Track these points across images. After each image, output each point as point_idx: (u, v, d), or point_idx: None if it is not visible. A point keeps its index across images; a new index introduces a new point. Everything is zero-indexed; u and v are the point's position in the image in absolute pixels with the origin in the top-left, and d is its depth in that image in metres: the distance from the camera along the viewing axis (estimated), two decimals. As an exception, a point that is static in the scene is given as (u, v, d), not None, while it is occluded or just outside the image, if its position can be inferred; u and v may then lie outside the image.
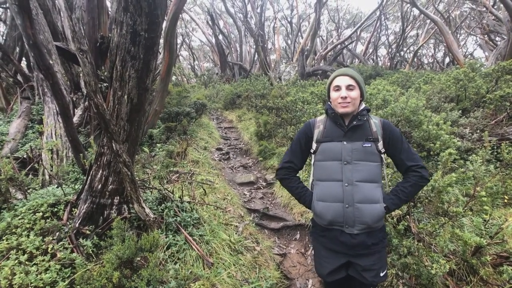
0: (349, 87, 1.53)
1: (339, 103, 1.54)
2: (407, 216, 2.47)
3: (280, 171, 1.76)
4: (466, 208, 2.16)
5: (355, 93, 1.53)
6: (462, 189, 2.93)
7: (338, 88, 1.56)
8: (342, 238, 1.54)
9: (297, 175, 1.78)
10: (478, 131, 4.07)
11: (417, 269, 2.00)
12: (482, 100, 4.88)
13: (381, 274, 1.55)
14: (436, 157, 3.59)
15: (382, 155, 1.57)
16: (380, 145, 1.56)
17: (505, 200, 2.71)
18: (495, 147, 3.50)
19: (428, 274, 1.93)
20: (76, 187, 3.02)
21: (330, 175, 1.56)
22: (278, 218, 3.78)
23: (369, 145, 1.53)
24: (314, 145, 1.64)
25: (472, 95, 5.07)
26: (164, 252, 2.33)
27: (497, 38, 13.99)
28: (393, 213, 2.63)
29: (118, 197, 2.41)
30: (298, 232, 3.50)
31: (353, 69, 1.63)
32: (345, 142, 1.54)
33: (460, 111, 4.60)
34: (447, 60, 19.91)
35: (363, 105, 1.61)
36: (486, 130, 4.06)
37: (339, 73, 1.58)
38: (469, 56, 20.36)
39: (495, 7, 12.25)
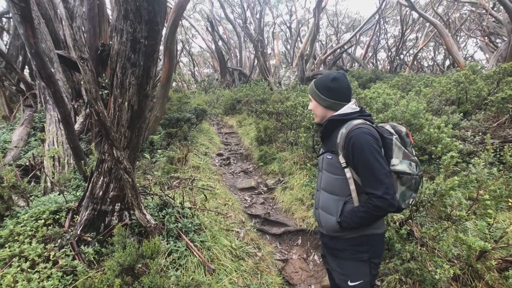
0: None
1: None
2: (410, 221, 2.45)
3: None
4: (469, 211, 2.14)
5: (311, 105, 1.66)
6: (465, 192, 2.90)
7: None
8: (320, 234, 1.75)
9: None
10: (480, 133, 4.05)
11: (420, 274, 1.98)
12: (484, 102, 4.87)
13: (349, 283, 1.50)
14: (438, 160, 3.58)
15: (347, 169, 1.42)
16: (341, 158, 1.42)
17: (509, 203, 2.68)
18: (498, 150, 3.48)
19: (432, 279, 1.91)
20: (78, 194, 3.02)
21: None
22: (279, 224, 3.76)
23: (330, 157, 1.50)
24: None
25: (473, 98, 5.06)
26: (165, 258, 2.32)
27: (497, 40, 14.01)
28: (395, 217, 2.61)
29: (119, 204, 2.41)
30: (300, 237, 3.48)
31: (316, 80, 1.58)
32: (322, 150, 1.65)
33: (462, 114, 4.59)
34: (447, 62, 19.93)
35: (334, 113, 1.51)
36: (488, 132, 4.04)
37: None
38: (470, 58, 20.39)
39: (495, 9, 12.32)
